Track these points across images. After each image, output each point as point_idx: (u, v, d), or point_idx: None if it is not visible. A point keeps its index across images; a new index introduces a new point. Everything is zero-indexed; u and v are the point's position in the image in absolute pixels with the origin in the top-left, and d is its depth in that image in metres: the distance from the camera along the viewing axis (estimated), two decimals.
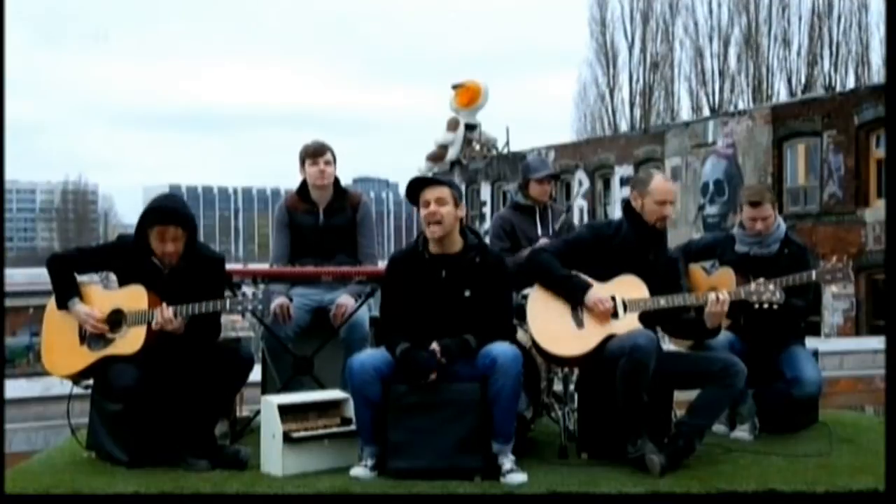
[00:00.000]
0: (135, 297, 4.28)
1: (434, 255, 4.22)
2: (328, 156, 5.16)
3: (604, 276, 4.40)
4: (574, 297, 4.34)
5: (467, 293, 4.16)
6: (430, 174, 28.20)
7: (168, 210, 4.28)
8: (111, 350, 4.27)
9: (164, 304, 4.18)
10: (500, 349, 4.01)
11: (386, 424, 4.04)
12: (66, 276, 4.38)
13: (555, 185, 5.58)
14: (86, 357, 4.32)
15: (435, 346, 4.04)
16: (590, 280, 4.37)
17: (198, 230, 4.44)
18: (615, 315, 4.34)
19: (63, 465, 4.31)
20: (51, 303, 4.43)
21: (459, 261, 4.20)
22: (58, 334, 4.40)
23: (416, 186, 4.26)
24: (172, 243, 4.26)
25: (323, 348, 4.91)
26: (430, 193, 4.17)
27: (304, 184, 5.23)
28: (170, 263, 4.31)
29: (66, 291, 4.35)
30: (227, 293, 4.57)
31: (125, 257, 4.37)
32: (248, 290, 4.59)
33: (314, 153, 5.14)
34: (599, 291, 4.32)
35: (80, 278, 4.47)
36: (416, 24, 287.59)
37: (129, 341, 4.24)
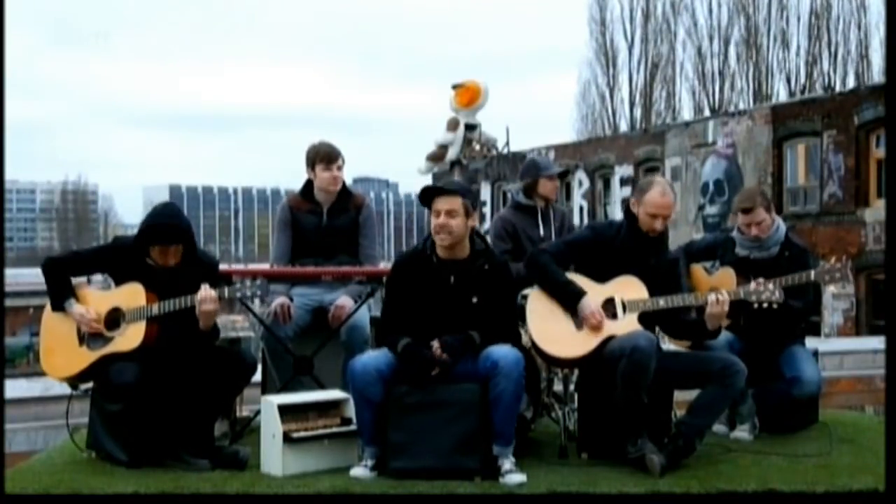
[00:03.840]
0: (132, 295, 4.28)
1: (442, 260, 4.20)
2: (340, 161, 5.14)
3: (604, 277, 4.39)
4: (567, 305, 4.34)
5: (475, 300, 4.15)
6: (429, 174, 28.24)
7: (168, 228, 4.28)
8: (111, 348, 4.27)
9: (206, 284, 4.18)
10: (502, 352, 4.00)
11: (386, 425, 4.05)
12: (60, 279, 4.39)
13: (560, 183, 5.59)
14: (86, 357, 4.31)
15: (435, 343, 4.03)
16: (584, 288, 4.35)
17: (195, 237, 4.45)
18: (615, 316, 4.34)
19: (63, 465, 4.30)
20: (47, 308, 4.44)
21: (468, 267, 4.19)
22: (56, 337, 4.40)
23: (430, 194, 4.20)
24: (174, 256, 4.31)
25: (323, 348, 4.90)
26: (442, 204, 4.12)
27: (308, 184, 5.22)
28: (167, 265, 4.32)
29: (60, 294, 4.36)
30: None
31: (120, 259, 4.37)
32: (246, 280, 4.59)
33: (327, 158, 5.11)
34: (592, 302, 4.30)
35: (80, 279, 4.47)
36: (416, 23, 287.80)
37: (129, 338, 4.24)
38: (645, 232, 4.42)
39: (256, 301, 4.33)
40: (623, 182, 22.64)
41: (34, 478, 4.09)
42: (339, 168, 5.14)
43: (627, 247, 4.43)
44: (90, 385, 4.43)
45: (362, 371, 4.02)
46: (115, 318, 4.30)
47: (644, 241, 4.43)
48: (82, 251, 4.72)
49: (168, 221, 4.30)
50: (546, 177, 5.42)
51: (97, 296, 4.41)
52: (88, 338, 4.33)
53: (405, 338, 4.08)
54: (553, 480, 3.95)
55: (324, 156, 5.11)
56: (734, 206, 5.09)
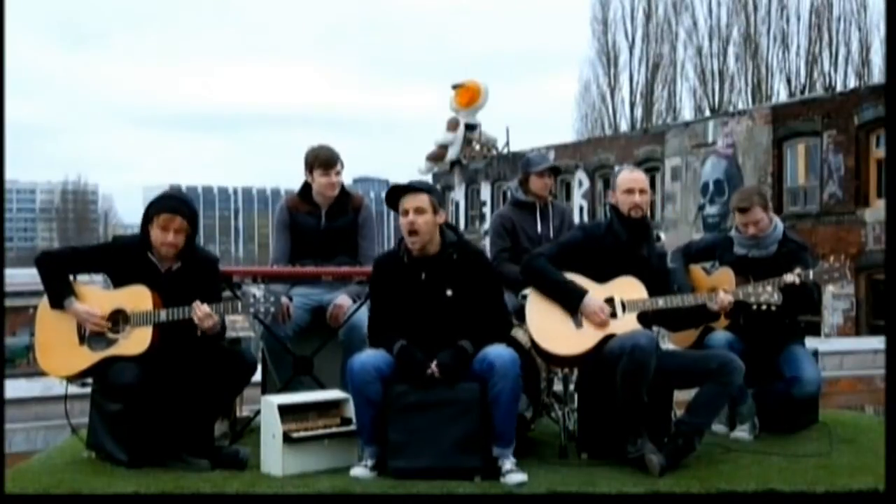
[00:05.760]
0: (138, 297, 4.24)
1: (414, 257, 4.21)
2: (339, 166, 5.14)
3: (601, 277, 4.40)
4: (570, 304, 4.34)
5: (449, 292, 4.16)
6: (430, 174, 28.24)
7: (177, 200, 4.36)
8: (115, 351, 4.23)
9: (198, 301, 4.17)
10: (497, 353, 4.00)
11: (386, 424, 4.04)
12: (58, 275, 4.32)
13: (555, 180, 5.57)
14: (87, 357, 4.27)
15: (433, 365, 4.03)
16: (585, 286, 4.36)
17: (198, 231, 4.44)
18: (614, 315, 4.34)
19: (63, 465, 4.30)
20: (43, 303, 4.34)
21: (438, 261, 4.20)
22: (54, 335, 4.32)
23: (396, 194, 4.25)
24: (174, 234, 4.25)
25: (323, 348, 4.90)
26: (409, 202, 4.17)
27: (306, 186, 5.21)
28: (167, 256, 4.29)
29: (60, 290, 4.29)
30: (227, 293, 4.56)
31: (121, 258, 4.34)
32: (257, 291, 4.58)
33: (325, 163, 5.10)
34: (596, 298, 4.32)
35: (80, 278, 4.44)
36: (416, 24, 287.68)
37: (135, 342, 4.20)
38: (628, 216, 4.46)
39: (262, 308, 4.31)
40: None
41: (34, 478, 4.09)
42: (338, 173, 5.14)
43: (618, 241, 4.46)
44: (88, 381, 4.40)
45: (361, 370, 4.02)
46: (115, 319, 4.27)
47: (632, 230, 4.46)
48: (80, 248, 4.63)
49: (178, 195, 4.44)
50: (535, 174, 5.41)
51: (98, 295, 4.35)
52: (90, 337, 4.28)
53: (400, 340, 4.09)
54: (553, 480, 3.95)
55: (322, 161, 5.10)
56: (731, 205, 5.10)
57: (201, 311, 4.16)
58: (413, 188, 4.24)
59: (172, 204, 4.30)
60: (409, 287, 4.19)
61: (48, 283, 4.32)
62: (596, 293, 4.36)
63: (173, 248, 4.27)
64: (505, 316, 4.33)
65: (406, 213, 4.16)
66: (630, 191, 4.46)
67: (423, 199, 4.17)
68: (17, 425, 6.05)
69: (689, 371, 4.32)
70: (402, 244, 4.25)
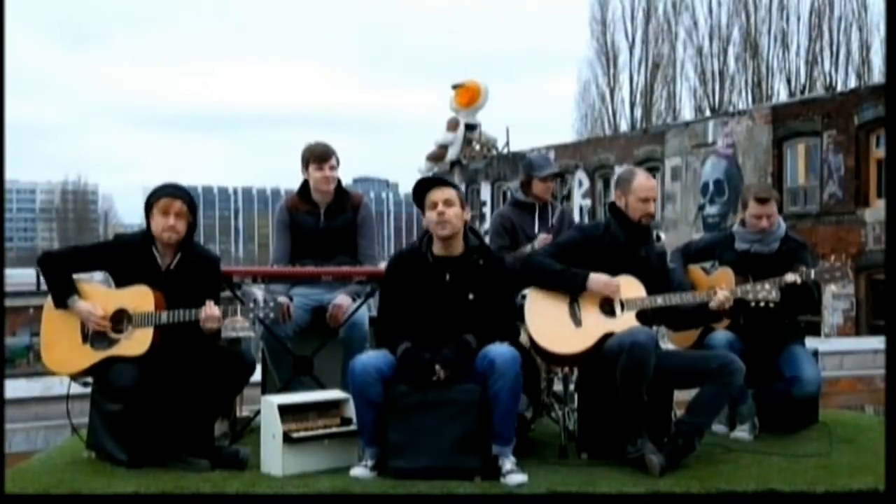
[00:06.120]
0: (140, 298, 4.24)
1: (437, 257, 4.22)
2: (333, 160, 5.14)
3: None
4: (575, 288, 4.35)
5: (471, 296, 4.16)
6: (430, 174, 28.22)
7: (175, 186, 4.40)
8: (116, 350, 4.24)
9: (211, 302, 4.18)
10: (498, 351, 4.00)
11: (386, 425, 4.04)
12: (61, 274, 4.33)
13: (559, 182, 5.60)
14: (89, 356, 4.28)
15: (438, 370, 4.03)
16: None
17: (198, 222, 4.45)
18: (613, 314, 4.35)
19: (63, 465, 4.30)
20: (48, 302, 4.38)
21: (463, 263, 4.21)
22: (59, 333, 4.34)
23: (424, 187, 4.27)
24: (176, 218, 4.27)
25: (323, 348, 4.90)
26: (438, 194, 4.20)
27: (305, 184, 5.21)
28: (169, 244, 4.28)
29: (63, 289, 4.30)
30: (227, 292, 4.57)
31: (123, 255, 4.34)
32: (258, 294, 4.58)
33: (320, 157, 5.11)
34: (600, 274, 4.33)
35: (81, 276, 4.44)
36: (416, 24, 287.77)
37: (136, 343, 4.21)
38: (636, 221, 4.49)
39: (261, 315, 4.32)
40: None
41: (34, 478, 4.09)
42: (332, 168, 5.13)
43: (618, 242, 4.48)
44: (89, 380, 4.41)
45: (362, 371, 4.02)
46: (118, 319, 4.27)
47: (635, 233, 4.48)
48: (82, 247, 4.63)
49: (170, 183, 4.43)
50: (538, 178, 5.43)
51: (101, 293, 4.35)
52: (92, 336, 4.29)
53: (405, 342, 4.09)
54: (553, 480, 3.95)
55: (317, 155, 5.11)
56: (748, 194, 5.00)
57: (211, 310, 4.16)
58: (441, 181, 4.33)
59: (171, 189, 4.36)
60: (431, 287, 4.18)
61: (51, 282, 4.34)
62: (595, 293, 4.36)
63: (175, 233, 4.28)
64: (513, 325, 4.34)
65: (435, 204, 4.18)
66: (646, 200, 4.49)
67: (451, 192, 4.22)
68: (17, 425, 6.06)
69: (689, 371, 4.32)
70: (426, 242, 4.27)
